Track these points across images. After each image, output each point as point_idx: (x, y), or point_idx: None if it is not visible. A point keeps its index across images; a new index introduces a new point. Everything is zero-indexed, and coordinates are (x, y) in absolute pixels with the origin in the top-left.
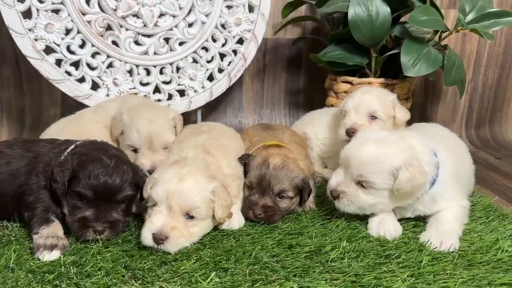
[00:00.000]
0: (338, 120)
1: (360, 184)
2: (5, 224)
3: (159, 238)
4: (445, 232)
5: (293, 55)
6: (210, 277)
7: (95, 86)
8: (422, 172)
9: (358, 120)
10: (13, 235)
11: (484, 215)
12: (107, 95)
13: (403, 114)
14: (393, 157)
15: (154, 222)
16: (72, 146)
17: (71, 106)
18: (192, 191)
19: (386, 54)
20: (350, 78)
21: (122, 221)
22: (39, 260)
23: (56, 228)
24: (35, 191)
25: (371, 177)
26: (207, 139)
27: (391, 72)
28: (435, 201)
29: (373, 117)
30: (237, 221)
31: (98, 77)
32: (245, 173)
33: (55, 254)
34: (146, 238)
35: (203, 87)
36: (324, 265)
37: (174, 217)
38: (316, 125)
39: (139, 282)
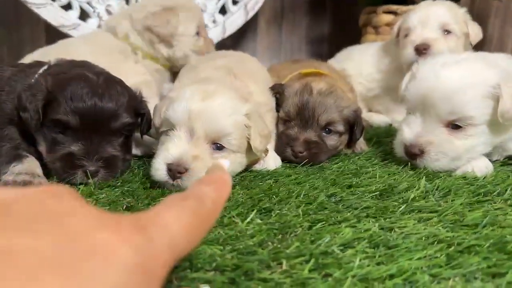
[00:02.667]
0: (387, 49)
1: (452, 125)
2: None
3: (176, 171)
4: None
5: None
6: (250, 217)
7: (84, 15)
8: None
9: (429, 34)
10: None
11: None
12: (99, 26)
13: (478, 30)
14: (485, 74)
15: (171, 150)
16: (45, 67)
17: None
18: (222, 112)
19: None
20: (394, 7)
21: (120, 158)
22: None
23: (31, 165)
24: None
25: (466, 110)
26: (230, 62)
27: None
28: None
29: (445, 32)
30: (273, 161)
31: (88, 3)
32: (277, 108)
33: None
34: (159, 170)
35: (214, 22)
36: (404, 205)
37: (196, 144)
38: (357, 60)
39: None
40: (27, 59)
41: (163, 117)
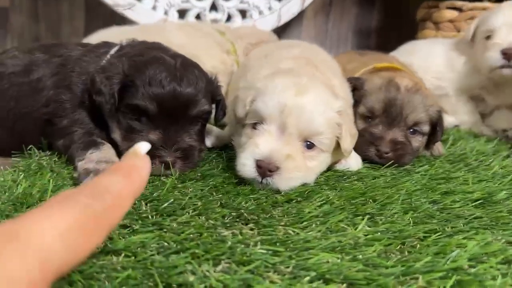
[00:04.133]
0: (463, 48)
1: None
2: (30, 152)
3: (267, 168)
4: None
5: None
6: (362, 224)
7: None
8: None
9: None
10: (45, 162)
11: None
12: (154, 7)
13: None
14: None
15: (261, 145)
16: (116, 48)
17: None
18: (316, 109)
19: None
20: (458, 3)
21: (197, 148)
22: None
23: (109, 152)
24: (69, 110)
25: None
26: (305, 52)
27: None
28: None
29: None
30: (355, 161)
31: None
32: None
33: None
34: (247, 166)
35: (270, 8)
36: None
37: (289, 142)
38: (424, 55)
39: (249, 225)
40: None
41: (250, 109)
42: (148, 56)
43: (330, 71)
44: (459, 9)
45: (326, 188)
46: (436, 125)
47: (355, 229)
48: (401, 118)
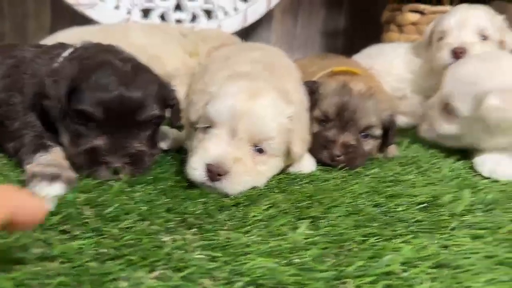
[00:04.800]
0: (419, 50)
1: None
2: None
3: (216, 172)
4: None
5: None
6: (303, 227)
7: None
8: None
9: (466, 38)
10: None
11: None
12: (117, 7)
13: None
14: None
15: (210, 149)
16: (70, 49)
17: None
18: (267, 114)
19: None
20: (421, 6)
21: (147, 153)
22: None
23: (58, 155)
24: (20, 113)
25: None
26: (264, 56)
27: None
28: None
29: (482, 37)
30: (307, 163)
31: None
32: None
33: (57, 188)
34: (197, 170)
35: (235, 9)
36: (453, 219)
37: (238, 146)
38: (385, 58)
39: (192, 230)
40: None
41: (202, 113)
42: (97, 60)
43: (287, 75)
44: (421, 12)
45: (277, 191)
46: (388, 129)
47: (296, 233)
48: (353, 122)
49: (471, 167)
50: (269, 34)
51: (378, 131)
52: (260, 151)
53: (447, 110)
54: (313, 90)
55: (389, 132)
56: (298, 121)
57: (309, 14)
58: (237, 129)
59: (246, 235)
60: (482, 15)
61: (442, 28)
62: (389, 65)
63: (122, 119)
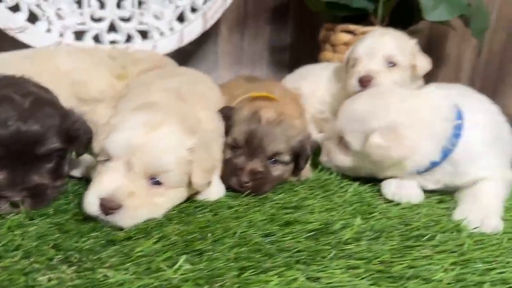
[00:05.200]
0: (341, 74)
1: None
2: None
3: (108, 207)
4: (486, 209)
5: (280, 3)
6: (179, 263)
7: (33, 18)
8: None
9: (373, 66)
10: None
11: None
12: (48, 30)
13: (425, 63)
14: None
15: (104, 183)
16: None
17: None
18: (164, 147)
19: None
20: (351, 27)
21: (49, 186)
22: None
23: None
24: None
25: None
26: (181, 83)
27: (400, 20)
28: (462, 169)
29: (390, 64)
30: (216, 190)
31: (37, 5)
32: (226, 130)
33: None
34: (91, 204)
35: (171, 29)
36: (335, 248)
37: (133, 179)
38: (312, 80)
39: (73, 268)
40: None
41: (102, 145)
42: None
43: (202, 103)
44: (352, 33)
45: (175, 222)
46: (299, 154)
47: (172, 269)
48: (261, 150)
49: (379, 190)
50: (216, 51)
51: (286, 157)
52: (158, 183)
53: (342, 143)
54: (228, 116)
55: (300, 158)
56: (203, 151)
57: (256, 30)
58: (132, 162)
59: (122, 272)
60: (390, 42)
61: (355, 55)
62: (314, 87)
63: (21, 153)
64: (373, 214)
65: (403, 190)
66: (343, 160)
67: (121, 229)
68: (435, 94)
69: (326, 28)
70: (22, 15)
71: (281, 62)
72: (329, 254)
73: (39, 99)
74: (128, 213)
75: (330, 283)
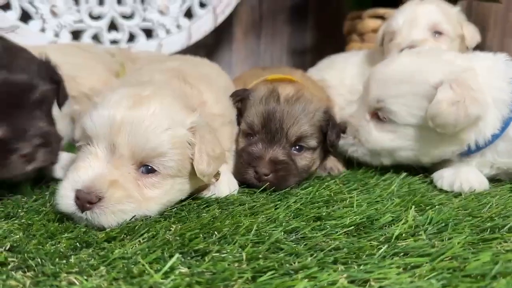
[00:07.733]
0: (374, 57)
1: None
2: None
3: (85, 199)
4: None
5: (298, 2)
6: (168, 265)
7: (25, 16)
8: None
9: (416, 35)
10: None
11: None
12: (42, 29)
13: (473, 33)
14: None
15: (81, 172)
16: None
17: None
18: (155, 124)
19: None
20: (381, 11)
21: (53, 133)
22: None
23: None
24: None
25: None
26: (184, 65)
27: None
28: None
29: (437, 33)
30: (226, 185)
31: (30, 2)
32: (239, 115)
33: None
34: (65, 198)
35: (178, 26)
36: (386, 245)
37: (117, 165)
38: (340, 68)
39: (30, 273)
40: None
41: (81, 128)
42: None
43: (206, 85)
44: (381, 17)
45: (172, 220)
46: (326, 131)
47: (160, 273)
48: (282, 133)
49: (431, 183)
50: (231, 55)
51: (313, 142)
52: (151, 171)
53: (377, 117)
54: (242, 98)
55: (328, 131)
56: (206, 133)
57: (273, 32)
58: (116, 144)
59: (93, 278)
60: (434, 9)
61: (392, 29)
62: (342, 75)
63: (16, 103)
64: (430, 207)
65: (463, 178)
66: (379, 139)
67: (101, 229)
68: (489, 55)
69: (351, 18)
70: (13, 14)
71: (302, 64)
72: (378, 251)
73: (11, 44)
74: (110, 208)
75: (383, 286)
